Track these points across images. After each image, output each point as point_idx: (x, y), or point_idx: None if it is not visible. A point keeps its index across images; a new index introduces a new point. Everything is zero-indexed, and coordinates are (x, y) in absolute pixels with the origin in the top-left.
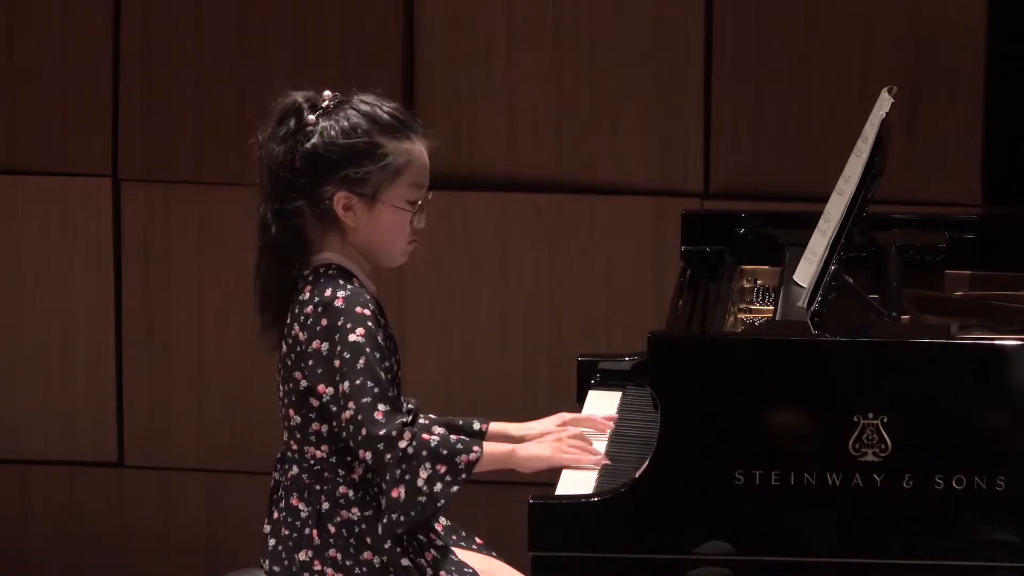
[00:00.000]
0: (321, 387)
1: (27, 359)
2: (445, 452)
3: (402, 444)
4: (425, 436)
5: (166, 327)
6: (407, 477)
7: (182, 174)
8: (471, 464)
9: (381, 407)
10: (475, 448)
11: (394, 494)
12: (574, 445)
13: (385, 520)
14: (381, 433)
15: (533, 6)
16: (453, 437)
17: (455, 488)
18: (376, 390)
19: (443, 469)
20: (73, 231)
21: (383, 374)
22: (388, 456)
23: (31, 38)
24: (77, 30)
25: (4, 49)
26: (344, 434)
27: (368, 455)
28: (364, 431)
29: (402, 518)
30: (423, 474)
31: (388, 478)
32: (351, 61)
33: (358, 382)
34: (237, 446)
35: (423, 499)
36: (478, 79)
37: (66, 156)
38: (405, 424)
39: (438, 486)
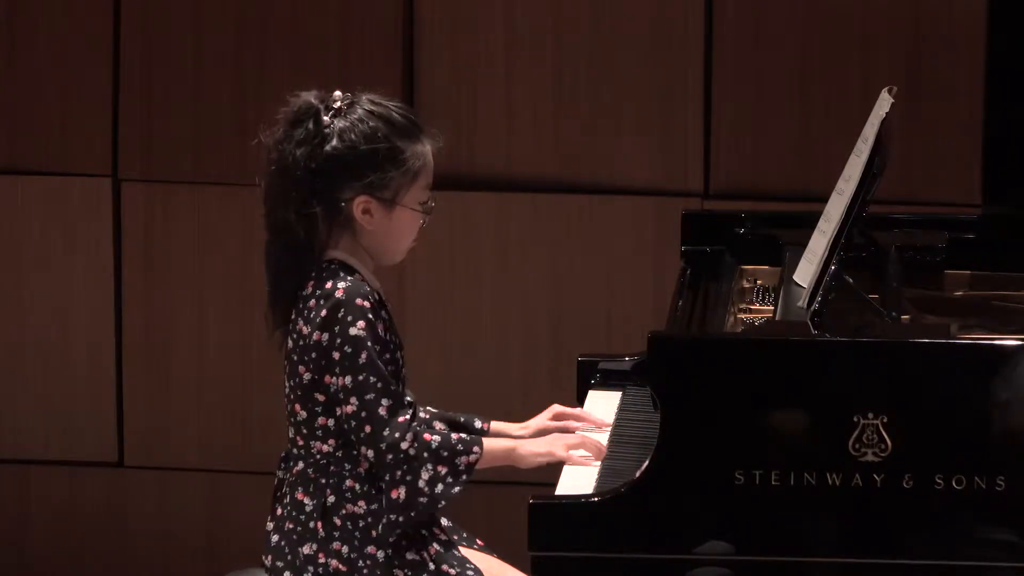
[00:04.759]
0: (328, 377)
1: (27, 359)
2: (446, 454)
3: (404, 446)
4: (427, 436)
5: (166, 327)
6: (408, 478)
7: (182, 174)
8: (471, 465)
9: (384, 402)
10: (475, 448)
11: (394, 495)
12: (576, 442)
13: (385, 520)
14: (384, 433)
15: (533, 6)
16: (454, 436)
17: (456, 489)
18: (379, 385)
19: (444, 471)
20: (73, 231)
21: (384, 367)
22: (389, 457)
23: (31, 38)
24: (77, 30)
25: (4, 49)
26: (346, 427)
27: (370, 453)
28: (367, 428)
29: (401, 518)
30: (424, 475)
31: (388, 479)
32: (351, 61)
33: (360, 377)
34: (237, 446)
35: (423, 500)
36: (478, 79)
37: (66, 156)
38: (408, 423)
39: (439, 487)
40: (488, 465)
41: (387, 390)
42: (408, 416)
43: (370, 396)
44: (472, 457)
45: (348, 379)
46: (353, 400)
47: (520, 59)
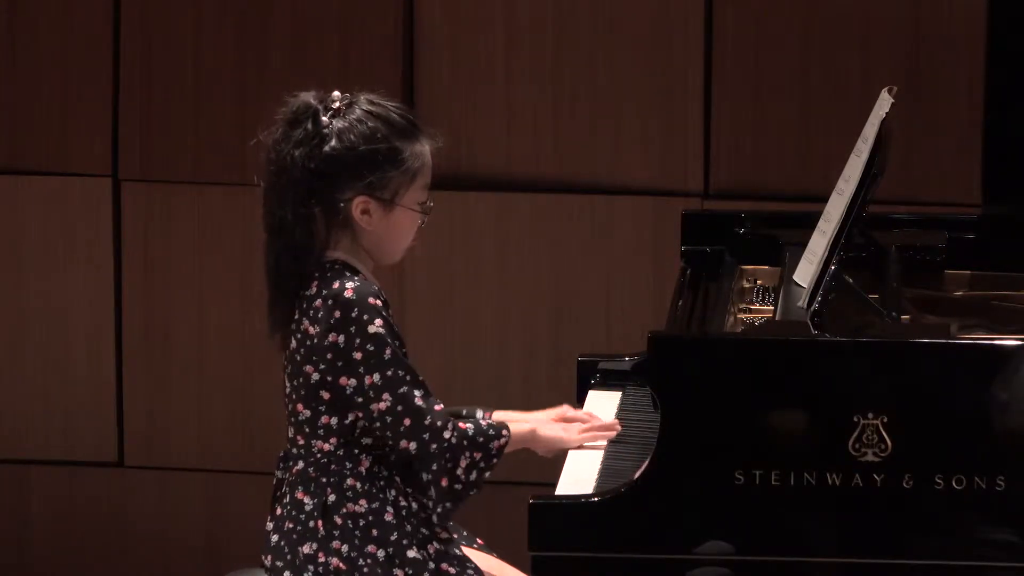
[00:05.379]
0: (343, 379)
1: (27, 359)
2: (481, 439)
3: (446, 435)
4: (462, 425)
5: (166, 327)
6: (450, 466)
7: (182, 174)
8: (502, 448)
9: (418, 392)
10: (503, 432)
11: (443, 483)
12: (589, 439)
13: (440, 510)
14: (427, 423)
15: (533, 6)
16: (483, 422)
17: (487, 474)
18: (408, 377)
19: (479, 456)
20: (73, 231)
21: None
22: (434, 447)
23: (31, 38)
24: (77, 30)
25: (4, 49)
26: (376, 424)
27: (412, 445)
28: (407, 422)
29: (450, 505)
30: (463, 463)
31: (435, 468)
32: (351, 61)
33: (389, 373)
34: (237, 446)
35: (459, 487)
36: (478, 79)
37: (66, 156)
38: (445, 411)
39: (474, 474)
40: (512, 449)
41: (416, 381)
42: (441, 404)
43: (403, 389)
44: (503, 440)
45: (376, 376)
46: (386, 396)
47: (520, 59)
